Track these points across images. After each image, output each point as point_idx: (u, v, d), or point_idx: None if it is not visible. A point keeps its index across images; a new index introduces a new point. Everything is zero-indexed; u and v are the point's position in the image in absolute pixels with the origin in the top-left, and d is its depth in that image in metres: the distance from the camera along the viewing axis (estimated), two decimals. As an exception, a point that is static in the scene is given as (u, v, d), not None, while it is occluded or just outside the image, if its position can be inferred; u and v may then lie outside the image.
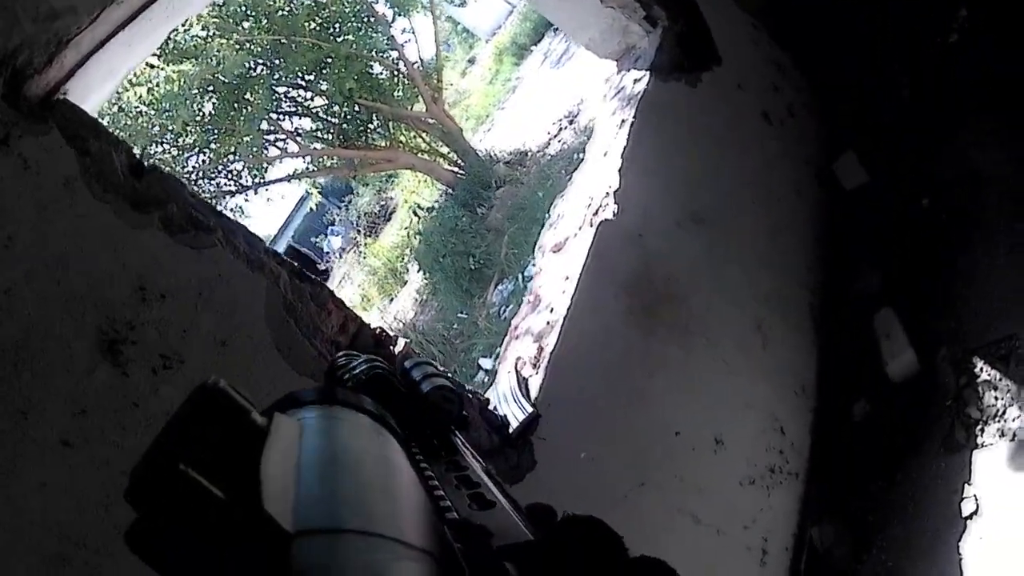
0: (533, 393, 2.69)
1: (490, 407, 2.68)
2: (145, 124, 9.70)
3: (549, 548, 0.61)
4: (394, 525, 0.49)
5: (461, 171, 12.34)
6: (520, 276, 8.99)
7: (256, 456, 0.47)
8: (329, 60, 11.29)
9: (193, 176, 11.09)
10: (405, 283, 13.38)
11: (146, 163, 2.33)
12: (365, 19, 11.68)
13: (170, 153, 10.68)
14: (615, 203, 3.26)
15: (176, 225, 2.26)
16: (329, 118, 12.25)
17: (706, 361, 3.30)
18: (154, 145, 10.44)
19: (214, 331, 2.24)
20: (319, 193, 15.37)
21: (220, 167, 11.35)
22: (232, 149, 10.90)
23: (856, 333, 3.74)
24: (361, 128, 12.15)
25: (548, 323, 2.96)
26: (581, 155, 8.81)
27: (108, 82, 2.88)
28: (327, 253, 20.33)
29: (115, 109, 9.44)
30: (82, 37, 2.33)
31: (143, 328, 2.15)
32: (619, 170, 3.37)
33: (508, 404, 2.64)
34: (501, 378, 2.83)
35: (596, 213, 3.27)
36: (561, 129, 11.42)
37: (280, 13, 10.54)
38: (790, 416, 3.50)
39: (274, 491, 0.45)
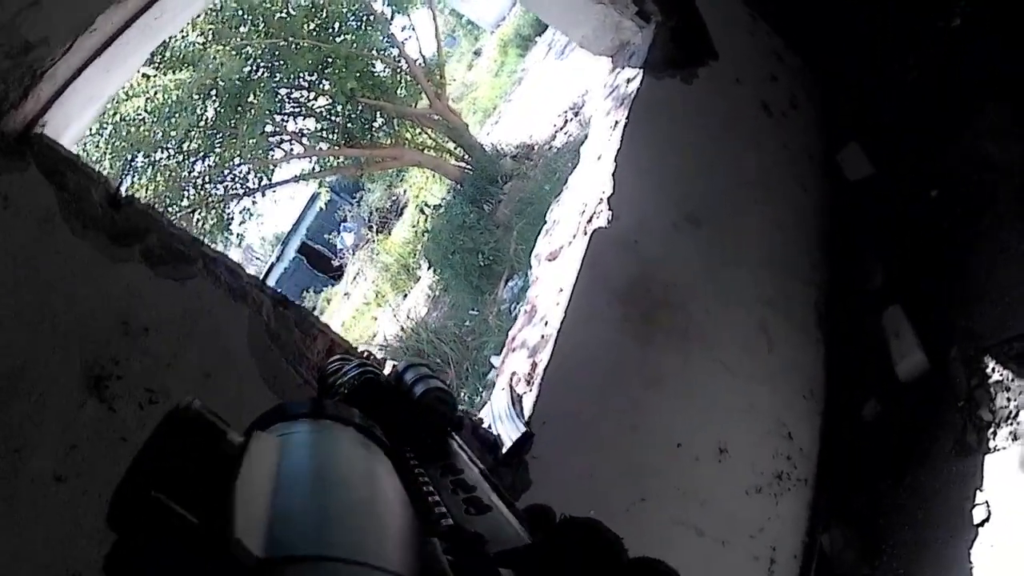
0: (527, 411, 2.64)
1: (484, 426, 2.64)
2: (147, 132, 9.71)
3: (547, 551, 0.61)
4: (374, 550, 0.48)
5: (468, 166, 12.32)
6: (530, 272, 8.93)
7: (231, 478, 0.46)
8: (329, 60, 11.27)
9: (199, 181, 11.13)
10: (418, 279, 13.40)
11: (123, 194, 2.32)
12: (364, 18, 11.67)
13: (175, 159, 10.70)
14: (609, 209, 3.19)
15: (157, 257, 2.27)
16: (333, 118, 12.25)
17: (707, 367, 3.24)
18: (158, 151, 10.47)
19: (198, 363, 2.25)
20: (329, 190, 15.42)
21: (226, 171, 11.37)
22: (237, 153, 10.92)
23: (864, 332, 3.66)
24: (366, 127, 12.13)
25: (543, 336, 2.91)
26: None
27: (89, 108, 2.88)
28: (340, 250, 20.44)
29: (116, 119, 9.46)
30: (57, 68, 2.33)
31: (128, 363, 2.16)
32: (612, 174, 3.31)
33: (502, 423, 2.60)
34: (495, 396, 2.79)
35: (590, 221, 3.21)
36: (567, 121, 11.36)
37: (277, 16, 10.52)
38: (798, 420, 3.44)
39: (246, 515, 0.44)
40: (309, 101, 12.33)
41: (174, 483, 0.45)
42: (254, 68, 10.81)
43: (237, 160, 11.17)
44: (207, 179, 11.20)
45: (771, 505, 3.17)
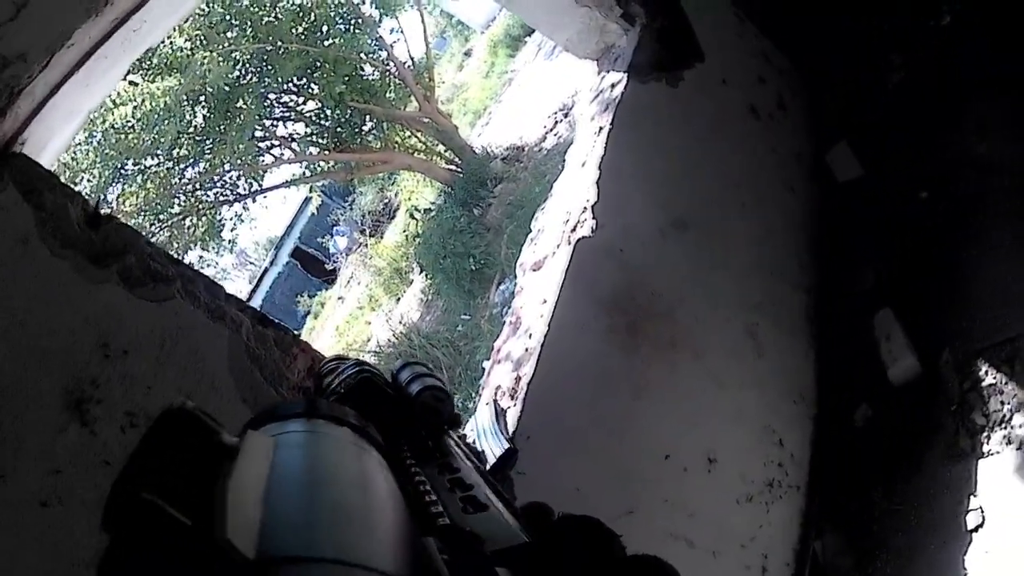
0: (511, 426, 2.61)
1: (469, 441, 2.61)
2: (136, 139, 9.67)
3: (545, 549, 0.62)
4: (366, 551, 0.47)
5: (458, 169, 12.31)
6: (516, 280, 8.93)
7: (223, 478, 0.46)
8: (318, 64, 11.27)
9: (189, 187, 11.11)
10: (411, 283, 13.39)
11: (101, 211, 2.30)
12: (352, 21, 11.64)
13: (165, 166, 10.68)
14: (593, 218, 3.16)
15: (135, 278, 2.25)
16: (322, 122, 12.26)
17: (695, 375, 3.21)
18: (148, 158, 10.44)
19: (178, 384, 2.22)
20: (321, 194, 15.42)
21: (216, 177, 11.36)
22: (226, 158, 10.91)
23: (855, 335, 3.63)
24: (355, 130, 12.13)
25: (527, 349, 2.88)
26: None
27: (70, 123, 2.84)
28: (334, 253, 20.43)
29: (105, 127, 9.42)
30: (35, 84, 2.29)
31: (107, 385, 2.12)
32: (596, 182, 3.28)
33: (486, 438, 2.56)
34: (480, 410, 2.75)
35: (574, 230, 3.18)
36: (556, 123, 11.36)
37: (265, 20, 10.49)
38: (788, 426, 3.42)
39: (238, 516, 0.44)
40: (298, 105, 12.34)
41: (167, 484, 0.45)
42: (242, 73, 10.78)
43: (227, 166, 11.18)
44: (197, 185, 11.19)
45: (762, 513, 3.15)
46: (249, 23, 10.44)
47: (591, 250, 3.10)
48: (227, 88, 10.29)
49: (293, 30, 10.79)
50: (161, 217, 10.61)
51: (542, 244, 3.41)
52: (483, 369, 7.94)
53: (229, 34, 10.41)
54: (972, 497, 2.83)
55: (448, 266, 10.35)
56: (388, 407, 0.83)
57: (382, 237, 16.77)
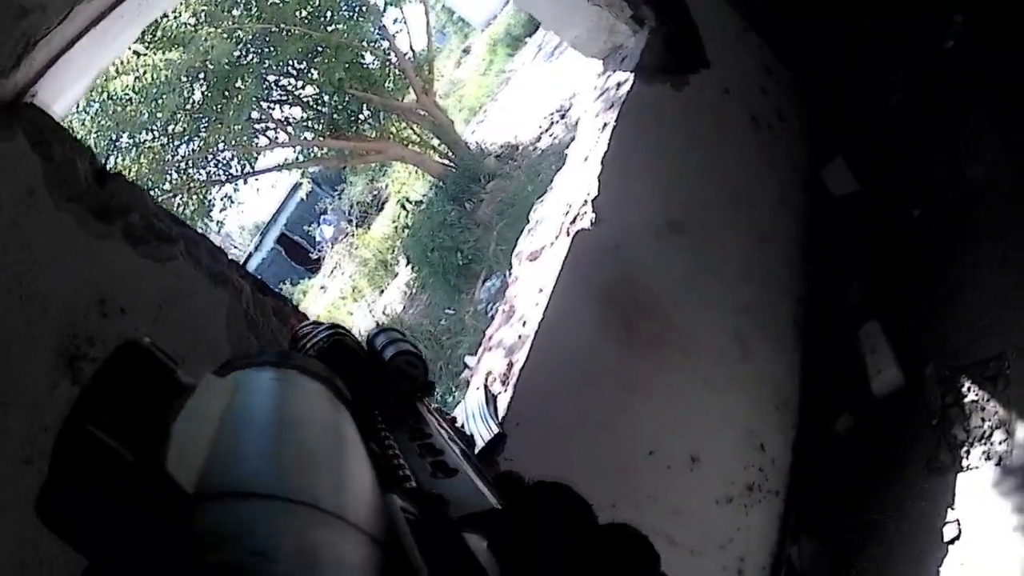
0: (501, 411, 2.63)
1: (456, 425, 2.62)
2: (133, 112, 9.60)
3: (518, 515, 0.60)
4: (317, 493, 0.46)
5: (451, 164, 12.31)
6: (508, 273, 8.94)
7: (172, 415, 0.45)
8: (320, 49, 11.20)
9: (182, 164, 11.03)
10: (395, 275, 13.35)
11: (109, 169, 2.28)
12: (356, 8, 11.60)
13: (159, 141, 10.60)
14: (593, 211, 3.19)
15: (138, 236, 2.23)
16: (319, 108, 12.21)
17: (683, 376, 3.24)
18: (143, 132, 10.36)
19: (174, 347, 2.12)
20: (311, 182, 15.33)
21: (210, 156, 11.29)
22: (221, 138, 10.86)
23: (841, 346, 3.68)
24: (352, 118, 12.08)
25: (520, 337, 2.90)
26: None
27: (80, 81, 2.81)
28: (319, 242, 20.30)
29: (104, 97, 9.35)
30: (51, 36, 2.28)
31: (103, 343, 2.09)
32: (598, 176, 3.31)
33: (476, 423, 2.58)
34: (470, 395, 2.77)
35: (573, 221, 3.21)
36: (553, 123, 11.38)
37: (270, 1, 10.45)
38: (770, 432, 3.45)
39: (182, 450, 0.43)
40: (296, 89, 12.28)
41: (116, 419, 0.43)
42: (244, 52, 10.73)
43: (221, 145, 11.11)
44: (190, 163, 11.11)
45: (741, 516, 3.18)
46: (255, 2, 10.40)
47: (589, 243, 3.13)
48: (228, 67, 10.25)
49: (297, 13, 10.73)
50: (152, 193, 10.51)
51: (540, 235, 3.43)
52: (465, 364, 7.98)
53: (234, 12, 10.35)
54: (950, 510, 2.86)
55: (435, 259, 10.32)
56: (361, 370, 0.82)
57: (369, 228, 16.70)
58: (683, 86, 4.03)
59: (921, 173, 3.98)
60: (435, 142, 12.76)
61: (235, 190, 11.96)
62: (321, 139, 12.09)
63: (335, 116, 11.88)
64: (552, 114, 11.60)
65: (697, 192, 3.77)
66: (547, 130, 11.45)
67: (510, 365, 2.79)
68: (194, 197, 11.24)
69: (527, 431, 2.61)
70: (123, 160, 10.17)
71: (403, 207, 12.81)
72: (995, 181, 3.59)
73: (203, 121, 10.84)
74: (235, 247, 24.42)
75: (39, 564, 1.86)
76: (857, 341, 3.61)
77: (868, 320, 3.64)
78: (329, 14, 11.29)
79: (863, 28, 4.69)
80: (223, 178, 11.51)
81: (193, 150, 11.08)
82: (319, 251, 19.96)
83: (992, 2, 4.10)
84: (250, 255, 22.52)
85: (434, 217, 11.24)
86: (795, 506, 3.34)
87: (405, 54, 12.07)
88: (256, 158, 12.03)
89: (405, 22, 12.26)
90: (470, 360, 8.18)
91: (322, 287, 18.14)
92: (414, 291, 11.63)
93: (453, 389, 7.60)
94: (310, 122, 12.29)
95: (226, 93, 10.53)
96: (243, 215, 21.34)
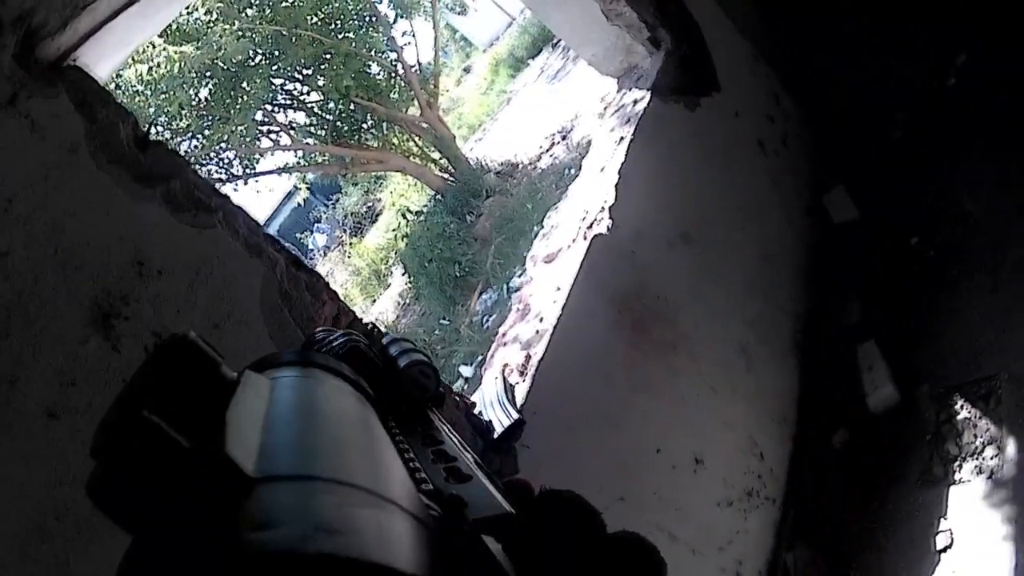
0: (519, 400, 2.69)
1: (475, 411, 2.68)
2: (141, 104, 9.59)
3: (528, 522, 0.60)
4: (373, 479, 0.48)
5: (451, 178, 12.35)
6: (505, 287, 9.01)
7: (223, 406, 0.47)
8: (328, 56, 11.24)
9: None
10: (388, 286, 13.36)
11: (151, 136, 2.31)
12: (367, 18, 11.68)
13: (163, 135, 10.57)
14: (610, 218, 3.28)
15: (178, 202, 2.23)
16: (324, 114, 12.22)
17: (690, 380, 3.32)
18: (148, 126, 10.30)
19: (208, 312, 2.20)
20: (308, 188, 15.30)
21: (212, 154, 11.29)
22: (225, 137, 10.83)
23: (839, 364, 3.79)
24: (355, 127, 12.11)
25: (537, 332, 2.97)
26: (572, 171, 8.83)
27: (119, 52, 2.82)
28: (311, 250, 20.24)
29: (112, 86, 9.34)
30: (99, 4, 2.30)
31: (138, 304, 2.10)
32: (615, 185, 3.40)
33: (493, 409, 2.63)
34: (486, 384, 2.82)
35: (591, 226, 3.29)
36: (553, 144, 11.48)
37: (284, 3, 10.51)
38: (769, 441, 3.54)
39: (238, 437, 0.44)
40: (302, 95, 12.30)
41: (166, 408, 0.43)
42: (254, 53, 10.75)
43: (224, 145, 11.10)
44: (192, 160, 11.08)
45: (740, 520, 3.24)
46: (269, 4, 10.46)
47: (605, 247, 3.21)
48: (237, 66, 10.28)
49: (309, 18, 10.80)
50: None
51: (556, 238, 3.51)
52: (459, 373, 7.99)
53: (248, 12, 10.41)
54: (942, 520, 2.96)
55: (433, 270, 10.36)
56: (375, 377, 0.84)
57: (362, 239, 16.71)
58: (695, 107, 4.14)
59: (920, 203, 4.12)
60: (436, 155, 12.79)
61: (235, 190, 11.93)
62: (323, 145, 12.10)
63: (339, 123, 11.89)
64: (553, 135, 11.71)
65: (706, 208, 3.87)
66: (548, 150, 11.55)
67: (528, 357, 2.86)
68: (194, 194, 11.16)
69: (543, 420, 2.67)
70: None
71: (404, 216, 12.80)
72: (991, 213, 3.72)
73: (208, 119, 10.83)
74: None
75: (65, 513, 1.86)
76: (855, 359, 3.71)
77: (866, 340, 3.75)
78: (340, 22, 11.35)
79: (869, 63, 4.84)
80: (224, 177, 11.49)
81: (196, 147, 11.05)
82: (311, 259, 19.90)
83: (994, 43, 4.24)
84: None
85: (433, 228, 11.25)
86: (791, 514, 3.41)
87: (412, 67, 12.13)
88: (258, 160, 12.03)
89: (413, 35, 12.31)
90: (465, 370, 8.22)
91: (313, 295, 18.04)
92: (407, 301, 11.63)
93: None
94: (314, 128, 12.31)
95: (233, 92, 10.54)
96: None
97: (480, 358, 7.74)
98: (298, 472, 0.45)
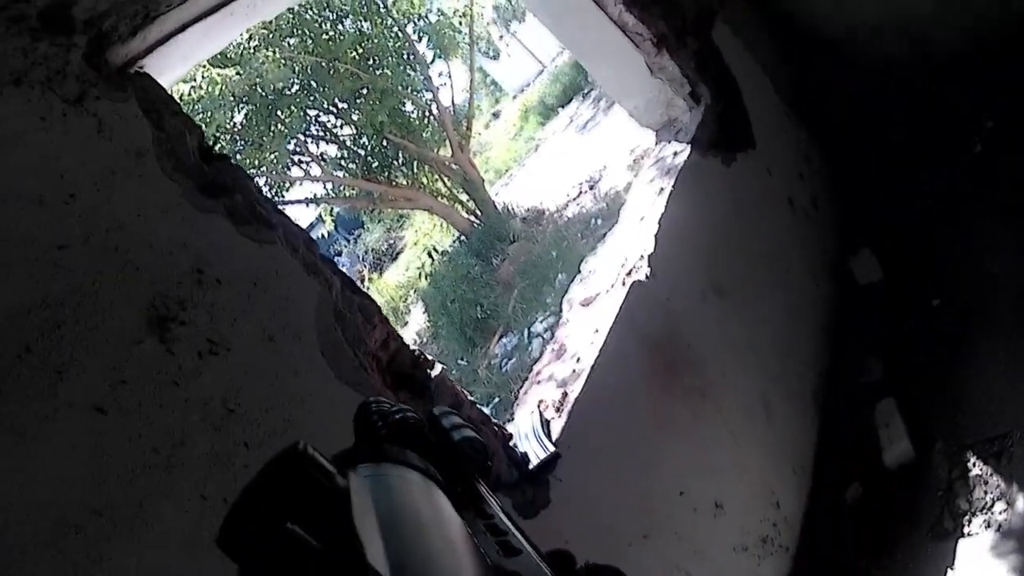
0: (555, 435, 2.76)
1: (511, 443, 2.73)
2: (180, 121, 9.75)
3: None
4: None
5: (478, 220, 12.46)
6: (526, 332, 9.04)
7: (345, 513, 0.51)
8: (365, 91, 11.43)
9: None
10: (406, 324, 13.39)
11: (216, 150, 2.38)
12: (405, 56, 11.86)
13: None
14: (648, 266, 3.36)
15: (240, 216, 2.26)
16: (356, 148, 12.37)
17: (714, 427, 3.37)
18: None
19: (264, 325, 2.22)
20: (332, 222, 15.46)
21: (243, 179, 11.40)
22: (257, 163, 10.99)
23: (857, 419, 3.84)
24: (386, 163, 12.26)
25: (574, 371, 3.05)
26: (599, 220, 8.88)
27: (181, 66, 2.87)
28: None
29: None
30: (168, 16, 2.38)
31: (195, 310, 2.12)
32: (655, 235, 3.49)
33: (528, 442, 2.70)
34: (521, 418, 2.90)
35: (629, 273, 3.37)
36: (581, 193, 11.58)
37: (325, 36, 10.70)
38: (786, 491, 3.58)
39: (371, 546, 0.48)
40: (336, 127, 12.46)
41: (297, 516, 0.48)
42: (292, 82, 10.93)
43: (255, 171, 11.22)
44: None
45: (754, 565, 3.27)
46: (311, 36, 10.67)
47: (643, 294, 3.30)
48: (275, 94, 10.49)
49: (349, 52, 10.99)
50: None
51: (593, 283, 3.59)
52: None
53: (291, 40, 10.63)
54: (950, 571, 3.00)
55: (454, 310, 10.41)
56: (427, 451, 0.88)
57: (381, 276, 16.80)
58: (731, 162, 4.24)
59: (943, 267, 4.23)
60: (464, 197, 12.92)
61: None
62: (353, 179, 12.21)
63: (370, 158, 12.03)
64: (581, 184, 11.81)
65: (737, 261, 3.95)
66: (575, 199, 11.65)
67: (564, 395, 2.93)
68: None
69: (576, 455, 2.73)
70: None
71: (430, 255, 12.87)
72: (1011, 278, 3.80)
73: (241, 143, 10.99)
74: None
75: (102, 510, 1.85)
76: (872, 415, 3.77)
77: (884, 397, 3.81)
78: (378, 58, 11.52)
79: (900, 128, 4.94)
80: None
81: (228, 171, 11.16)
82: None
83: (1021, 110, 4.34)
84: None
85: (457, 269, 11.32)
86: (804, 564, 3.42)
87: (446, 108, 12.31)
88: (287, 188, 12.17)
89: (450, 76, 12.52)
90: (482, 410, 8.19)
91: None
92: (426, 340, 11.63)
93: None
94: (344, 161, 12.43)
95: (269, 120, 10.71)
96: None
97: (497, 400, 7.73)
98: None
